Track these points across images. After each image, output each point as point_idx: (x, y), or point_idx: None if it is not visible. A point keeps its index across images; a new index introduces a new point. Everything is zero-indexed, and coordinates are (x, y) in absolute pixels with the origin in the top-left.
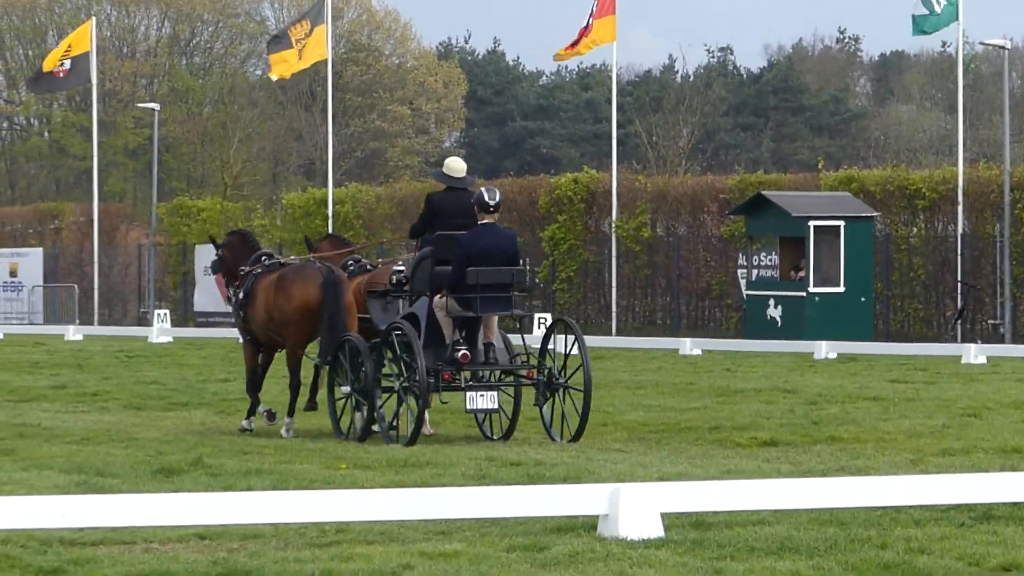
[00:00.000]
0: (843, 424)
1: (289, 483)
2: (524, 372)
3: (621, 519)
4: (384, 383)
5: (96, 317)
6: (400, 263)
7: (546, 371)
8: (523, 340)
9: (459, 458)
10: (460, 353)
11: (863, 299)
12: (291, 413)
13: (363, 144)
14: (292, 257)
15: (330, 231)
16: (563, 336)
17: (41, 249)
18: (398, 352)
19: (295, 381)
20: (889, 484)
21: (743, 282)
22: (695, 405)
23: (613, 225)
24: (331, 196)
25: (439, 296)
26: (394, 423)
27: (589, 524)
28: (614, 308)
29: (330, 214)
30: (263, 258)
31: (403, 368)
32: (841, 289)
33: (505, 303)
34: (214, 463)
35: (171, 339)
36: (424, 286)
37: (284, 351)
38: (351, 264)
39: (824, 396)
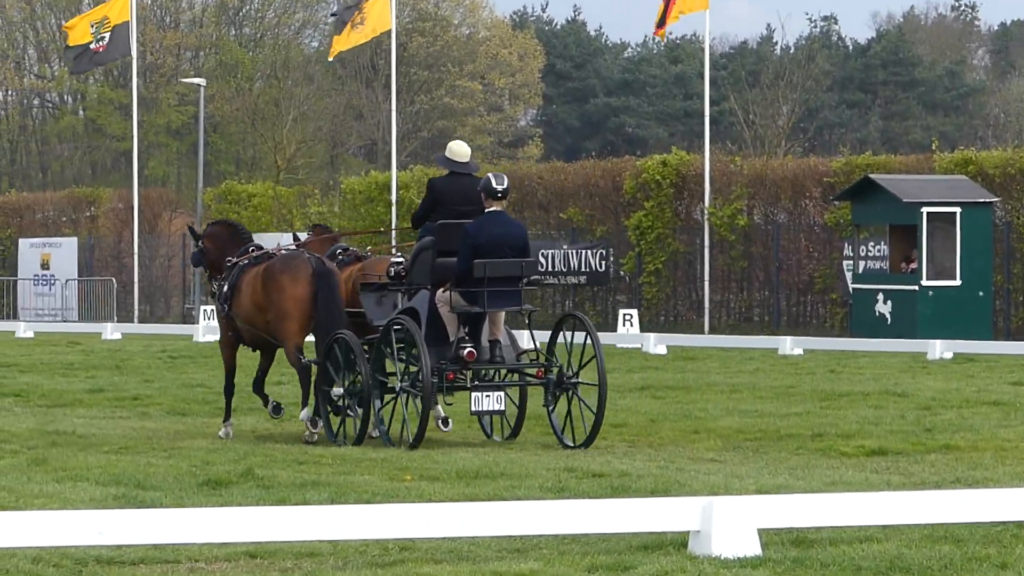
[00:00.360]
0: (959, 431)
1: (348, 496)
2: (532, 371)
3: (714, 536)
4: (383, 383)
5: (136, 314)
6: (398, 254)
7: (557, 368)
8: (532, 337)
9: (536, 469)
10: (465, 351)
11: (981, 293)
12: (305, 403)
13: (430, 123)
14: (281, 249)
15: (393, 218)
16: (572, 332)
17: (75, 239)
18: (397, 350)
19: (300, 366)
20: (1010, 497)
21: (849, 275)
22: (796, 410)
23: (706, 212)
24: (395, 180)
25: (442, 290)
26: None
27: (679, 541)
28: (707, 304)
29: (393, 200)
30: (251, 249)
31: (405, 367)
32: (957, 282)
33: (514, 297)
34: (266, 474)
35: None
36: (425, 279)
37: (279, 350)
38: (339, 253)
39: (938, 400)
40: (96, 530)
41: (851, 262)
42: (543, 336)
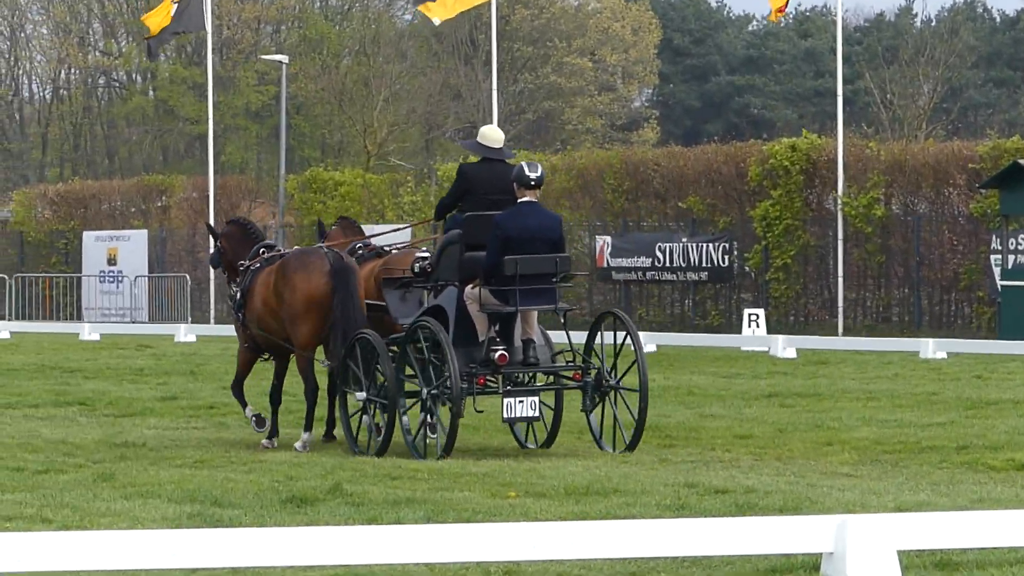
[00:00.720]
0: None
1: (446, 515)
2: (569, 373)
3: (850, 557)
4: (408, 387)
5: (212, 314)
6: (423, 248)
7: (594, 372)
8: (568, 337)
9: (652, 484)
10: (497, 353)
11: None
12: (308, 427)
13: (535, 104)
14: (295, 248)
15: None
16: (609, 332)
17: (145, 232)
18: (425, 352)
19: (311, 387)
20: None
21: (997, 270)
22: (939, 420)
23: (839, 202)
24: None
25: (471, 286)
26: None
27: (810, 564)
28: (840, 302)
29: None
30: (262, 251)
31: (431, 371)
32: None
33: (548, 295)
34: (356, 490)
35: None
36: (452, 275)
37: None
38: (360, 248)
39: None
40: (169, 552)
41: (999, 256)
42: (580, 338)
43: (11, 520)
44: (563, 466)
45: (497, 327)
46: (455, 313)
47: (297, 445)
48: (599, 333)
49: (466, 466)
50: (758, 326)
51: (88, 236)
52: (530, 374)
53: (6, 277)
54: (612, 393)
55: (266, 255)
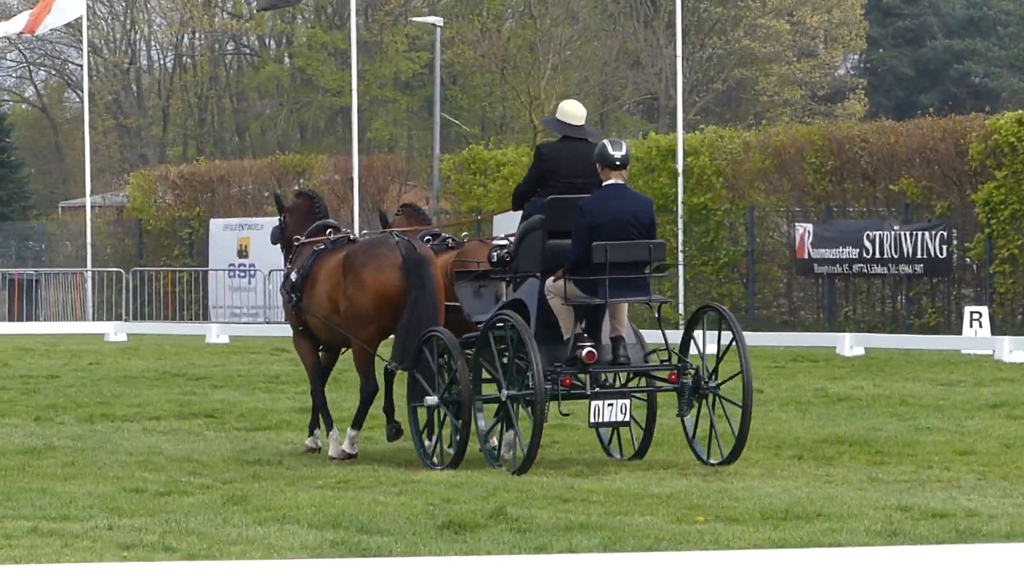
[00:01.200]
0: None
1: (625, 542)
2: (664, 374)
3: None
4: (485, 391)
5: None
6: (502, 237)
7: (691, 372)
8: (663, 335)
9: (860, 507)
10: (584, 351)
11: None
12: (358, 425)
13: (724, 72)
14: (365, 232)
15: (679, 191)
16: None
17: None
18: (504, 350)
19: (369, 386)
20: None
21: None
22: None
23: None
24: (680, 144)
25: (554, 278)
26: (494, 445)
27: None
28: None
29: (679, 168)
30: (327, 231)
31: (511, 371)
32: None
33: (640, 287)
34: (521, 514)
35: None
36: (533, 265)
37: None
38: (428, 240)
39: None
40: None
41: None
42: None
43: (129, 548)
44: (758, 486)
45: (583, 323)
46: (537, 307)
47: (345, 447)
48: (698, 330)
49: (647, 486)
50: (981, 326)
51: (215, 224)
52: (620, 375)
53: (122, 271)
54: (711, 398)
55: (332, 236)
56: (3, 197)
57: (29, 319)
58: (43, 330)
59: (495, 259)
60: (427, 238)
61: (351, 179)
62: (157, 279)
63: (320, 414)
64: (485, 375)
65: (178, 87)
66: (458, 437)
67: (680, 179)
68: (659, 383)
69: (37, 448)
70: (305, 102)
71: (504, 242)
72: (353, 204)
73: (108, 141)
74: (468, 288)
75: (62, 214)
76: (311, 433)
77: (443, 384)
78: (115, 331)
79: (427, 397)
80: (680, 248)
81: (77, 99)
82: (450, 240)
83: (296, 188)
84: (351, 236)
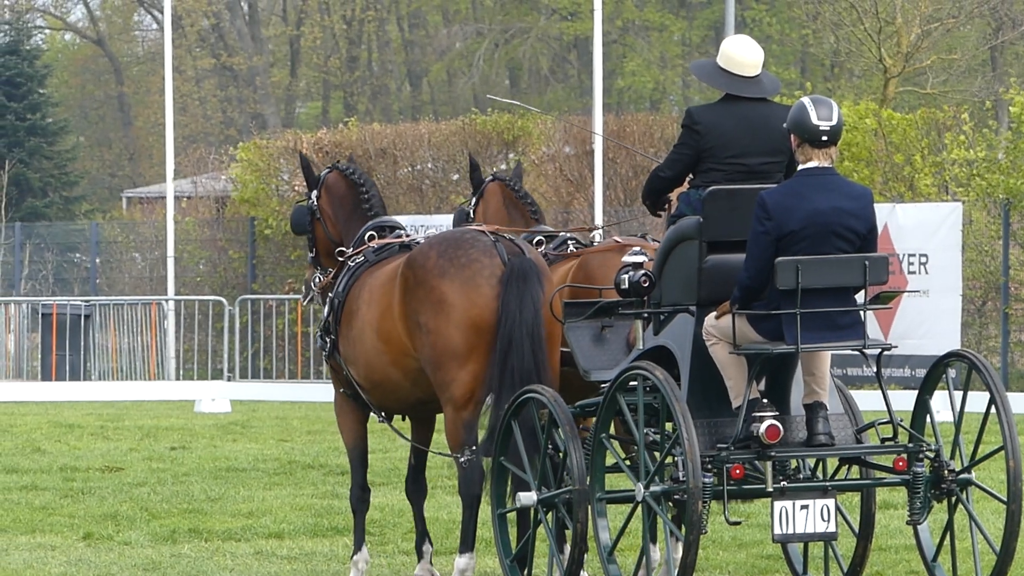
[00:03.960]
0: None
1: None
2: (888, 459)
3: None
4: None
5: None
6: (636, 247)
7: (932, 455)
8: (886, 400)
9: None
10: (764, 425)
11: None
12: (469, 545)
13: None
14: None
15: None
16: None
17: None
18: (637, 424)
19: (471, 478)
20: None
21: None
22: None
23: None
24: None
25: (716, 314)
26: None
27: None
28: None
29: None
30: (385, 232)
31: (649, 456)
32: None
33: (852, 326)
34: None
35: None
36: (684, 294)
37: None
38: (545, 242)
39: None
40: None
41: None
42: (907, 399)
43: None
44: None
45: (763, 382)
46: (691, 358)
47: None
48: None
49: None
50: None
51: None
52: (820, 461)
53: (224, 302)
54: (963, 493)
55: (375, 244)
56: (34, 183)
57: (75, 378)
58: (97, 395)
59: (625, 284)
60: (540, 239)
61: (591, 151)
62: (279, 314)
63: (356, 521)
64: (611, 459)
65: (315, 5)
66: (563, 555)
67: None
68: (880, 474)
69: None
70: (519, 30)
71: (640, 258)
72: (594, 192)
73: (203, 93)
74: (584, 330)
75: (128, 210)
76: (356, 549)
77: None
78: (212, 396)
79: (522, 494)
80: None
81: (154, 25)
82: (571, 245)
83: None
84: (406, 241)
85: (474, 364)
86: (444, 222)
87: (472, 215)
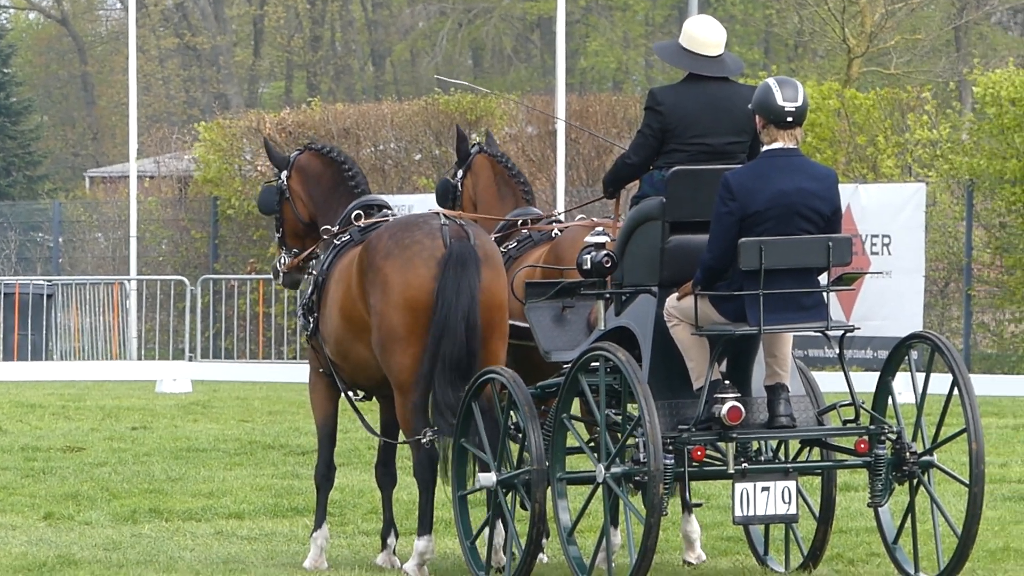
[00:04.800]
0: None
1: None
2: (849, 441)
3: None
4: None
5: None
6: (598, 228)
7: (893, 438)
8: (848, 382)
9: None
10: (726, 407)
11: None
12: (427, 526)
13: None
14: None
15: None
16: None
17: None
18: (598, 405)
19: (425, 460)
20: None
21: None
22: None
23: None
24: None
25: (678, 295)
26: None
27: None
28: None
29: None
30: (373, 210)
31: (610, 437)
32: None
33: (815, 307)
34: None
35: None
36: (646, 275)
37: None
38: (523, 224)
39: None
40: None
41: None
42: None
43: None
44: None
45: (724, 363)
46: (652, 339)
47: (408, 568)
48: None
49: None
50: None
51: None
52: (781, 443)
53: (186, 281)
54: (925, 475)
55: (361, 223)
56: None
57: (36, 358)
58: (58, 374)
59: (587, 265)
60: (520, 222)
61: (554, 132)
62: (241, 294)
63: (318, 499)
64: (572, 441)
65: None
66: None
67: None
68: (841, 456)
69: (47, 564)
70: (482, 10)
71: (603, 238)
72: (557, 173)
73: (166, 72)
74: (545, 311)
75: (91, 189)
76: (314, 528)
77: (509, 457)
78: (173, 376)
79: (482, 475)
80: None
81: (118, 4)
82: (556, 225)
83: (307, 143)
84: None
85: (415, 347)
86: (406, 202)
87: (460, 188)
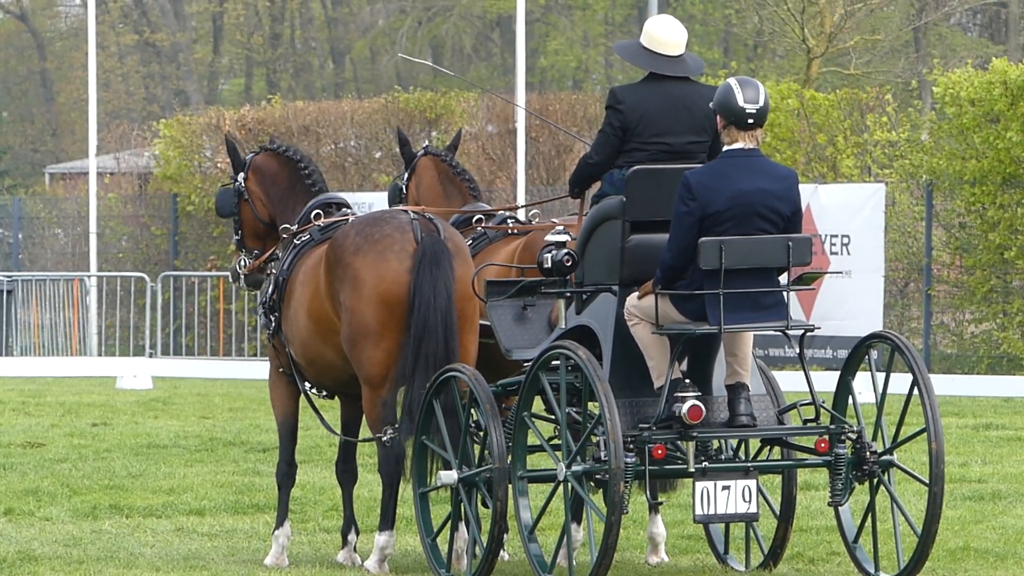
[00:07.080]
0: None
1: None
2: (809, 440)
3: None
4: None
5: None
6: (560, 227)
7: (854, 437)
8: (808, 381)
9: None
10: (686, 406)
11: None
12: (389, 523)
13: None
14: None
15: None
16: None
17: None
18: (559, 403)
19: (389, 457)
20: None
21: None
22: None
23: None
24: None
25: (639, 294)
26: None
27: None
28: None
29: None
30: (332, 208)
31: (571, 435)
32: None
33: (774, 307)
34: None
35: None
36: (607, 273)
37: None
38: (480, 221)
39: None
40: None
41: None
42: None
43: None
44: None
45: (685, 362)
46: (613, 338)
47: (369, 564)
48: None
49: None
50: None
51: None
52: (742, 441)
53: (146, 278)
54: (885, 475)
55: (321, 222)
56: None
57: None
58: (18, 370)
59: (548, 264)
60: (476, 219)
61: (514, 130)
62: (201, 290)
63: (280, 496)
64: (533, 439)
65: None
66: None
67: None
68: (801, 455)
69: (7, 559)
70: (442, 8)
71: (563, 237)
72: (517, 171)
73: (126, 69)
74: (506, 309)
75: (50, 186)
76: (277, 525)
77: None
78: (134, 373)
79: (443, 473)
80: None
81: (77, 1)
82: (511, 225)
83: (270, 142)
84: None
85: (388, 342)
86: (366, 200)
87: (405, 191)
